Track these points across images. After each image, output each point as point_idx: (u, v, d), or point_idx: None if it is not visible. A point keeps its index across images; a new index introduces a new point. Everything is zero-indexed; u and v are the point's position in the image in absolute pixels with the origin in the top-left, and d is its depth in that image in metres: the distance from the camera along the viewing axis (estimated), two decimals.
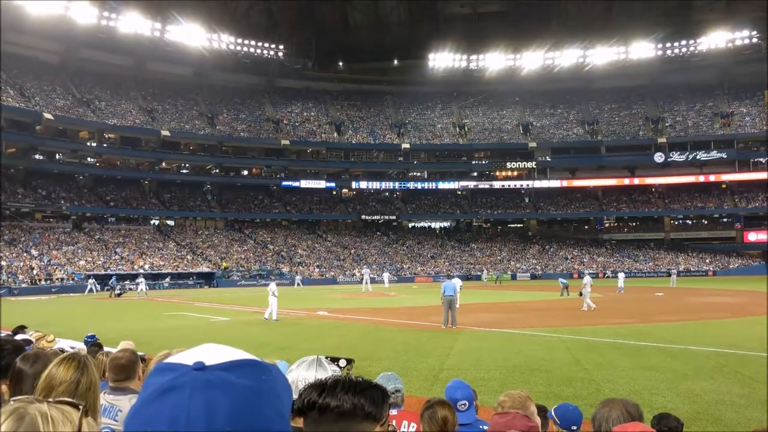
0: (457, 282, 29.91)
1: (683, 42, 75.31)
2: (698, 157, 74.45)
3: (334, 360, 2.53)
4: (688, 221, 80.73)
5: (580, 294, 27.58)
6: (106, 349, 6.32)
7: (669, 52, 76.50)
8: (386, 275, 57.28)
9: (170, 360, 0.92)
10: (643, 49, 76.62)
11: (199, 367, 0.88)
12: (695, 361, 13.55)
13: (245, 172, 79.90)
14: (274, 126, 79.48)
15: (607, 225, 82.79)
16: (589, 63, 79.56)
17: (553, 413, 3.97)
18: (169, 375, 0.88)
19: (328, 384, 1.30)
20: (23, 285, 47.72)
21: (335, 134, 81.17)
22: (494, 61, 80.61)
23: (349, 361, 2.62)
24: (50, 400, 1.03)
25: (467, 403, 4.10)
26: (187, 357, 0.91)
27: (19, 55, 65.46)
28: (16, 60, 64.98)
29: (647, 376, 11.91)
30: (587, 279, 27.96)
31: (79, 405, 1.03)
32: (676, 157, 74.98)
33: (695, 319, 23.11)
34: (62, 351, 3.25)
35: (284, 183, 77.66)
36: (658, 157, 75.32)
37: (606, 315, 24.64)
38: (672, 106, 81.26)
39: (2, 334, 8.76)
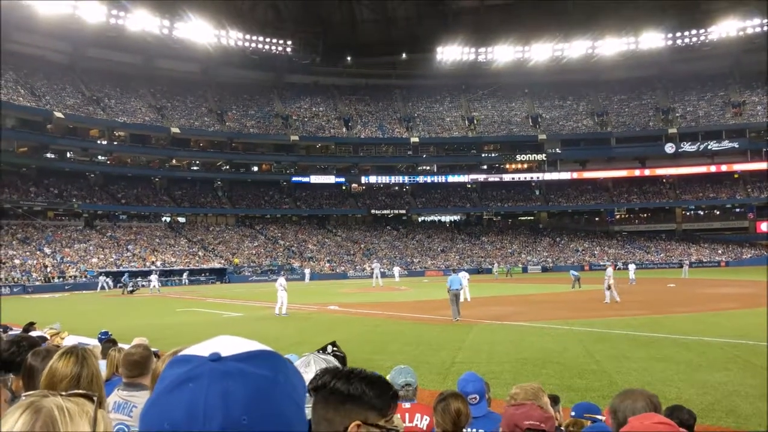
0: (464, 276, 30.03)
1: (693, 31, 74.56)
2: (710, 147, 73.87)
3: (323, 350, 2.55)
4: (699, 212, 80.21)
5: (609, 288, 26.84)
6: (119, 345, 6.35)
7: (679, 41, 75.79)
8: (396, 269, 57.31)
9: (186, 352, 0.93)
10: (652, 39, 75.98)
11: (215, 358, 0.89)
12: (709, 352, 13.48)
13: (255, 168, 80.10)
14: (283, 122, 79.58)
15: (618, 216, 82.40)
16: (598, 54, 79.07)
17: (572, 412, 3.97)
18: (185, 366, 0.89)
19: (343, 371, 1.38)
20: (37, 283, 48.07)
21: (344, 129, 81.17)
22: (503, 53, 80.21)
23: (333, 344, 2.66)
24: (63, 393, 1.03)
25: (478, 396, 4.10)
26: (202, 349, 0.92)
27: (29, 55, 65.99)
28: (26, 59, 65.52)
29: (660, 367, 11.87)
30: (610, 271, 27.58)
31: (93, 396, 1.03)
32: (688, 147, 74.44)
33: (708, 310, 22.98)
34: None
35: (294, 178, 77.81)
36: (669, 148, 74.82)
37: (618, 307, 24.55)
38: (683, 96, 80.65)
39: (13, 331, 8.84)
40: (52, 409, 0.96)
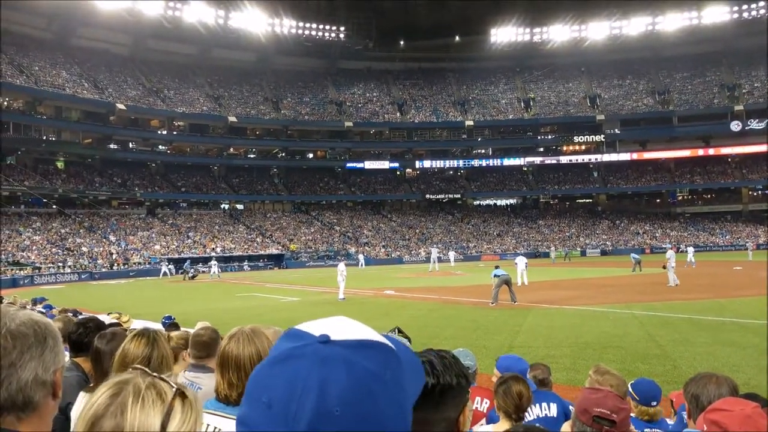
0: (521, 260, 30.00)
1: (761, 3, 71.34)
2: None
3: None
4: (767, 191, 77.13)
5: (664, 267, 26.73)
6: (182, 329, 6.52)
7: (745, 14, 72.63)
8: (452, 254, 57.17)
9: (301, 327, 0.91)
10: (716, 13, 73.03)
11: (324, 340, 0.86)
12: None
13: (310, 155, 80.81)
14: (337, 108, 79.98)
15: (680, 198, 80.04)
16: (658, 30, 76.58)
17: (630, 389, 3.89)
18: (295, 342, 0.87)
19: (427, 366, 1.30)
20: (103, 269, 49.76)
21: (398, 114, 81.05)
22: (558, 32, 78.50)
23: (398, 329, 2.67)
24: (155, 375, 1.04)
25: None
26: (316, 327, 0.90)
27: (92, 49, 68.23)
28: (90, 53, 67.81)
29: (727, 352, 11.54)
30: (670, 253, 27.12)
31: (184, 392, 1.03)
32: (755, 125, 71.37)
33: None
34: None
35: (348, 164, 78.26)
36: (735, 126, 71.91)
37: (681, 290, 23.92)
38: (749, 72, 77.29)
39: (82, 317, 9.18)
40: (128, 395, 0.97)
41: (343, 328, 0.89)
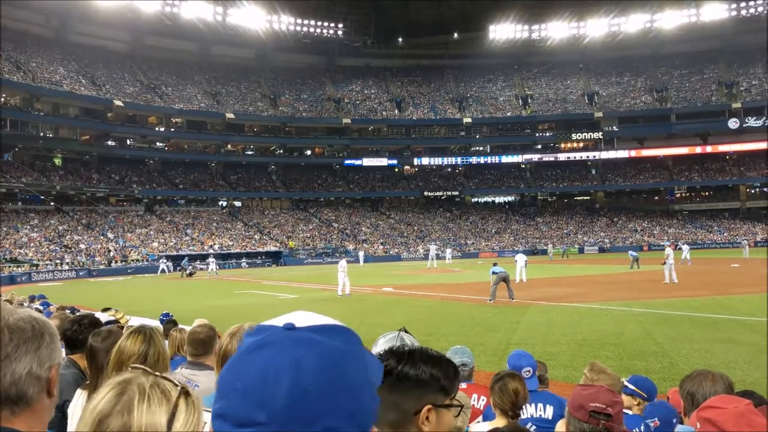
0: (520, 257, 30.17)
1: (759, 1, 71.35)
2: None
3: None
4: (765, 189, 77.12)
5: (664, 263, 26.80)
6: (180, 326, 6.52)
7: (744, 12, 72.65)
8: (449, 251, 57.26)
9: (263, 323, 0.96)
10: (714, 11, 73.06)
11: (290, 327, 0.91)
12: None
13: (308, 152, 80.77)
14: (336, 105, 79.92)
15: (678, 195, 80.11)
16: (656, 27, 76.60)
17: (633, 386, 3.89)
18: (261, 334, 0.92)
19: (406, 353, 1.37)
20: (101, 266, 49.72)
21: (396, 111, 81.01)
22: (557, 29, 78.55)
23: (403, 329, 2.67)
24: (157, 374, 1.05)
25: (531, 370, 4.10)
26: (279, 320, 0.95)
27: (90, 45, 68.11)
28: (88, 50, 67.67)
29: (724, 349, 11.55)
30: (669, 250, 27.19)
31: (187, 390, 1.04)
32: (753, 122, 71.43)
33: None
34: None
35: (347, 161, 78.20)
36: (733, 123, 71.96)
37: (679, 288, 23.95)
38: (747, 69, 77.35)
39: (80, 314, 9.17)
40: (134, 395, 0.98)
41: (305, 318, 0.96)
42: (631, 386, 3.93)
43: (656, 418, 3.33)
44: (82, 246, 52.73)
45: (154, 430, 0.95)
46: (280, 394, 0.82)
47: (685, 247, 42.77)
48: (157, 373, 1.05)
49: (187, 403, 1.02)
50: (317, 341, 0.89)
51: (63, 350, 3.45)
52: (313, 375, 0.84)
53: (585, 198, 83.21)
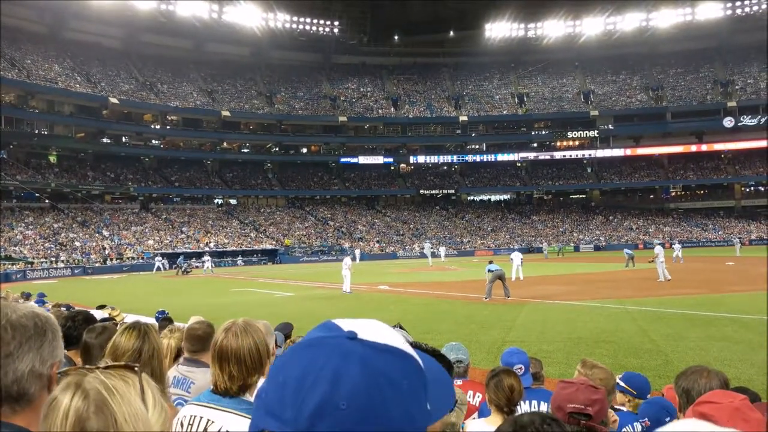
0: (516, 255, 30.29)
1: (754, 0, 71.59)
2: None
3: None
4: (760, 187, 77.39)
5: (651, 261, 26.98)
6: (176, 324, 6.50)
7: (739, 11, 72.83)
8: (442, 249, 57.35)
9: (336, 321, 0.91)
10: (710, 9, 73.24)
11: (351, 336, 0.85)
12: None
13: (304, 150, 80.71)
14: (332, 103, 79.86)
15: (673, 194, 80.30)
16: (652, 26, 76.74)
17: (624, 384, 3.91)
18: (324, 332, 0.88)
19: None
20: (96, 264, 49.59)
21: (392, 109, 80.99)
22: (553, 28, 78.63)
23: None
24: (101, 366, 1.02)
25: (523, 367, 4.10)
26: (348, 323, 0.89)
27: (85, 42, 67.93)
28: (83, 47, 67.48)
29: (719, 347, 11.59)
30: (658, 249, 27.28)
31: (134, 367, 1.02)
32: (748, 121, 71.65)
33: None
34: None
35: (342, 159, 78.15)
36: (728, 122, 72.16)
37: (674, 285, 24.00)
38: (742, 68, 77.57)
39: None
40: (99, 391, 0.95)
41: (374, 331, 0.88)
42: (622, 383, 3.95)
43: (647, 418, 3.34)
44: (78, 244, 52.60)
45: (140, 415, 0.94)
46: (309, 402, 0.78)
47: (677, 246, 42.93)
48: (88, 366, 1.02)
49: (140, 376, 1.01)
50: (369, 361, 0.81)
51: None
52: (349, 395, 0.78)
53: (580, 196, 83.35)
